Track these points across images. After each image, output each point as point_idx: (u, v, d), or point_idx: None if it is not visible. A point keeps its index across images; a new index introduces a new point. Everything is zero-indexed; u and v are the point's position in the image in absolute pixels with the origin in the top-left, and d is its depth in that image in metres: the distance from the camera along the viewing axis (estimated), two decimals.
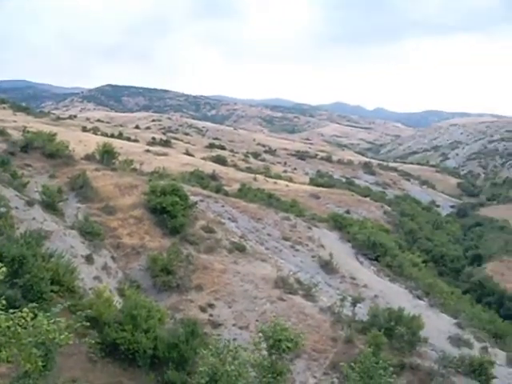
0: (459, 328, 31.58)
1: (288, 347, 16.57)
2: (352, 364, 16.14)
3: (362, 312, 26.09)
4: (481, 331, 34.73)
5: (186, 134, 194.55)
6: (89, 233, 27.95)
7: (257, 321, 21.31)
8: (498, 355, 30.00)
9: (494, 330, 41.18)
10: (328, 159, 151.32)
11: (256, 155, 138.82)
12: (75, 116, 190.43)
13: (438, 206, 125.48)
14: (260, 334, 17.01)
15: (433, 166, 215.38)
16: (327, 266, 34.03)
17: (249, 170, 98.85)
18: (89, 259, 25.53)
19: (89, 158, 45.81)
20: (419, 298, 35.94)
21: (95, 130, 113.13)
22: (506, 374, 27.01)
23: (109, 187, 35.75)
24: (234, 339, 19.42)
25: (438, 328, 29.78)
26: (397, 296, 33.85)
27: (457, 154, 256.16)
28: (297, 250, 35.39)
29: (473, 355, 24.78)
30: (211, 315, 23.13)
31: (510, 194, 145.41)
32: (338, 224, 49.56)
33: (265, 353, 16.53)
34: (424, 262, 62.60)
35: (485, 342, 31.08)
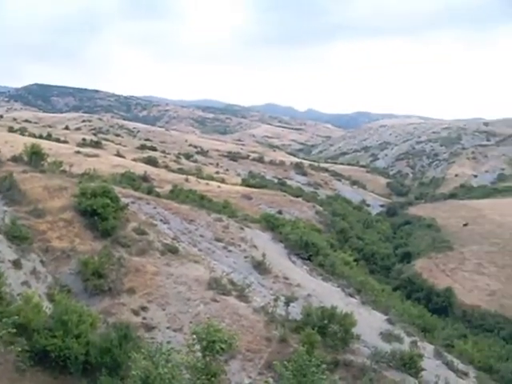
0: (390, 324, 32.42)
1: (222, 348, 16.53)
2: (285, 363, 16.25)
3: (296, 311, 26.34)
4: (410, 326, 35.81)
5: (117, 135, 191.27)
6: (16, 237, 26.96)
7: (190, 323, 21.14)
8: (427, 348, 31.02)
9: (423, 325, 42.59)
10: (260, 160, 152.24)
11: (188, 156, 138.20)
12: (1, 116, 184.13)
13: (368, 206, 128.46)
14: (194, 336, 16.88)
15: (363, 166, 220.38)
16: (260, 267, 34.16)
17: (181, 171, 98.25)
18: (16, 264, 24.64)
19: (16, 159, 44.16)
20: (351, 295, 36.63)
21: (22, 131, 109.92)
22: (434, 365, 27.97)
23: (37, 190, 34.64)
24: (168, 342, 19.22)
25: (370, 324, 30.46)
26: (329, 294, 34.38)
27: (386, 155, 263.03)
28: (230, 251, 35.38)
29: (403, 349, 25.50)
30: (144, 318, 22.78)
31: (437, 193, 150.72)
32: (271, 224, 49.88)
33: (199, 354, 16.42)
34: (355, 260, 63.95)
35: (414, 336, 32.05)
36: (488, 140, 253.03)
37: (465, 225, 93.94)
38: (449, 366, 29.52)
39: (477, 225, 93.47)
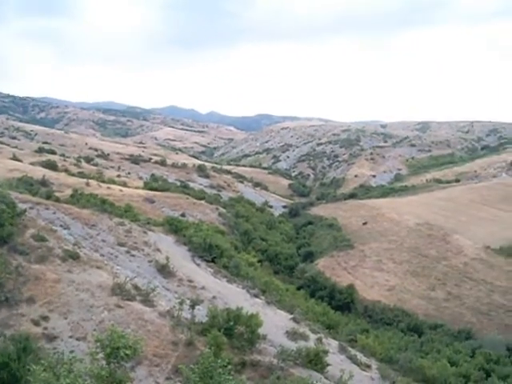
0: (295, 322, 33.06)
1: (127, 354, 16.17)
2: (192, 366, 16.18)
3: (202, 314, 26.27)
4: (315, 323, 36.71)
5: (13, 137, 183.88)
6: None
7: (94, 330, 20.52)
8: (332, 344, 31.92)
9: (327, 322, 43.82)
10: (162, 163, 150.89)
11: (88, 159, 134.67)
12: None
13: (271, 207, 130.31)
14: (97, 344, 16.43)
15: (265, 168, 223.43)
16: (164, 270, 33.83)
17: (81, 174, 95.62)
18: None
19: None
20: (256, 296, 37.01)
21: None
22: (339, 360, 28.83)
23: None
24: (71, 351, 18.53)
25: (276, 324, 30.92)
26: (235, 296, 34.58)
27: (288, 157, 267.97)
28: (133, 256, 34.78)
29: (309, 347, 26.06)
30: (45, 328, 21.83)
31: (338, 193, 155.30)
32: (174, 227, 49.55)
33: (103, 362, 16.00)
34: (259, 261, 64.82)
35: (319, 333, 32.88)
36: (385, 141, 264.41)
37: (364, 223, 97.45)
38: (352, 359, 30.53)
39: (376, 223, 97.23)
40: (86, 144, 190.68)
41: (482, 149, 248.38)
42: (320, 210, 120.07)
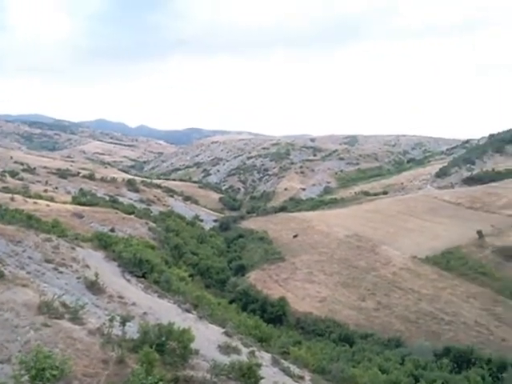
0: (228, 336, 32.83)
1: (53, 375, 15.54)
2: None
3: (133, 330, 25.63)
4: (247, 337, 36.59)
5: None
6: None
7: (19, 351, 19.60)
8: (265, 357, 31.85)
9: (260, 335, 43.81)
10: (91, 177, 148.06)
11: (13, 174, 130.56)
12: None
13: (201, 221, 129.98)
14: (22, 365, 15.71)
15: (195, 182, 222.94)
16: (93, 287, 32.88)
17: (6, 189, 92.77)
18: None
19: None
20: (188, 311, 36.57)
21: None
22: (272, 373, 28.77)
23: None
24: None
25: (208, 338, 30.61)
26: (166, 311, 34.05)
27: (218, 170, 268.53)
28: (61, 272, 33.63)
29: (241, 360, 25.85)
30: None
31: (268, 207, 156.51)
32: (103, 243, 48.52)
33: None
34: (191, 275, 64.23)
35: (252, 346, 32.75)
36: (314, 155, 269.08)
37: (295, 236, 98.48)
38: (285, 371, 30.55)
39: (306, 236, 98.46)
40: (11, 158, 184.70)
41: (408, 162, 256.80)
42: (251, 224, 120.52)
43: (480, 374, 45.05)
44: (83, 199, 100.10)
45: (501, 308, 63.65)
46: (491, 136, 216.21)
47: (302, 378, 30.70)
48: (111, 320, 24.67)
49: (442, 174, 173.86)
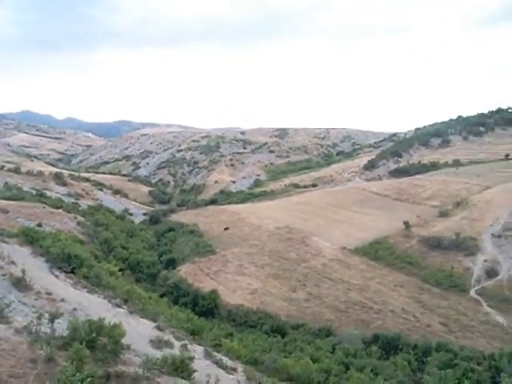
0: (159, 330, 32.56)
1: None
2: (47, 382, 15.31)
3: (62, 327, 25.00)
4: (180, 330, 36.42)
5: None
6: None
7: None
8: (197, 350, 31.80)
9: (192, 328, 43.72)
10: (16, 171, 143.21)
11: None
12: None
13: (131, 214, 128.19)
14: None
15: (125, 175, 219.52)
16: (20, 284, 31.82)
17: None
18: None
19: None
20: (118, 306, 36.04)
21: None
22: (205, 366, 28.76)
23: None
24: None
25: (140, 333, 30.27)
26: (96, 307, 33.43)
27: (147, 163, 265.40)
28: None
29: (174, 354, 25.72)
30: None
31: (198, 200, 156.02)
32: (30, 238, 47.19)
33: None
34: (121, 270, 63.26)
35: (184, 339, 32.61)
36: (244, 148, 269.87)
37: (226, 229, 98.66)
38: (218, 364, 30.61)
39: (237, 228, 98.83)
40: None
41: (337, 154, 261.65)
42: (181, 217, 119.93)
43: (406, 359, 46.73)
44: (8, 193, 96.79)
45: (426, 295, 66.06)
46: (417, 130, 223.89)
47: (234, 369, 30.87)
48: (39, 317, 23.97)
49: (370, 166, 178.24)
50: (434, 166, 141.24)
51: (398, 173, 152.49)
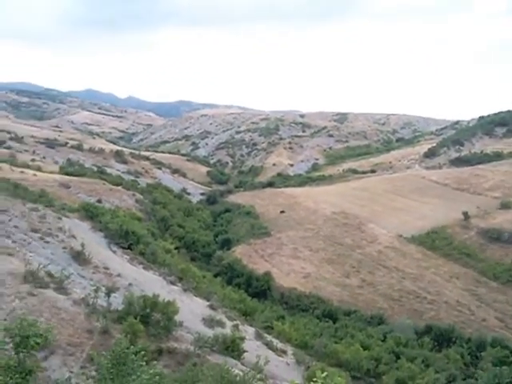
0: (212, 309, 33.13)
1: (37, 343, 15.60)
2: (104, 353, 15.80)
3: (117, 301, 25.77)
4: (232, 310, 36.95)
5: None
6: None
7: (5, 320, 19.66)
8: (248, 331, 32.23)
9: (244, 309, 44.23)
10: (79, 147, 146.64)
11: (0, 142, 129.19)
12: None
13: (188, 194, 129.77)
14: (6, 333, 15.74)
15: (184, 154, 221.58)
16: (79, 257, 32.92)
17: None
18: None
19: None
20: (173, 283, 36.78)
21: None
22: (255, 346, 29.15)
23: None
24: None
25: (193, 311, 30.85)
26: (151, 283, 34.20)
27: (206, 144, 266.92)
28: (47, 242, 33.58)
29: (225, 333, 26.15)
30: None
31: (256, 182, 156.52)
32: (90, 214, 48.53)
33: (12, 352, 15.37)
34: (176, 248, 64.53)
35: (236, 320, 33.11)
36: (303, 131, 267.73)
37: (282, 212, 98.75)
38: (269, 345, 30.96)
39: (293, 212, 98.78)
40: None
41: (397, 141, 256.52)
42: (238, 198, 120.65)
43: (459, 352, 45.94)
44: (70, 169, 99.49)
45: (483, 289, 64.49)
46: (481, 118, 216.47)
47: (284, 352, 31.14)
48: (96, 291, 24.77)
49: (430, 154, 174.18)
50: (497, 157, 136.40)
51: (459, 162, 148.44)
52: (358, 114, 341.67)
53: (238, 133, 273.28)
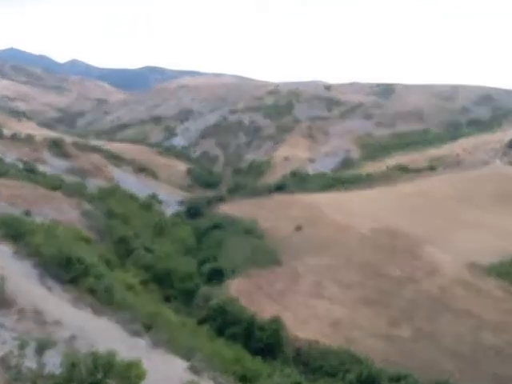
0: (194, 373, 32.90)
1: None
2: None
3: (54, 362, 25.58)
4: (224, 375, 36.65)
5: None
6: None
7: None
8: None
9: (242, 372, 43.92)
10: None
11: None
12: None
13: (161, 203, 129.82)
14: None
15: (154, 145, 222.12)
16: None
17: None
18: None
19: None
20: (138, 334, 36.60)
21: None
22: None
23: None
24: None
25: (166, 376, 30.63)
26: (105, 334, 34.02)
27: (187, 129, 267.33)
28: None
29: None
30: None
31: (259, 184, 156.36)
32: (13, 231, 48.40)
33: None
34: (143, 282, 64.34)
35: None
36: (329, 110, 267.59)
37: (298, 229, 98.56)
38: None
39: (314, 228, 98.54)
40: None
41: (469, 124, 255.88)
42: (233, 209, 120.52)
43: None
44: None
45: None
46: None
47: None
48: (22, 347, 24.56)
49: None
50: None
51: None
52: (410, 85, 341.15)
53: (232, 113, 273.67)
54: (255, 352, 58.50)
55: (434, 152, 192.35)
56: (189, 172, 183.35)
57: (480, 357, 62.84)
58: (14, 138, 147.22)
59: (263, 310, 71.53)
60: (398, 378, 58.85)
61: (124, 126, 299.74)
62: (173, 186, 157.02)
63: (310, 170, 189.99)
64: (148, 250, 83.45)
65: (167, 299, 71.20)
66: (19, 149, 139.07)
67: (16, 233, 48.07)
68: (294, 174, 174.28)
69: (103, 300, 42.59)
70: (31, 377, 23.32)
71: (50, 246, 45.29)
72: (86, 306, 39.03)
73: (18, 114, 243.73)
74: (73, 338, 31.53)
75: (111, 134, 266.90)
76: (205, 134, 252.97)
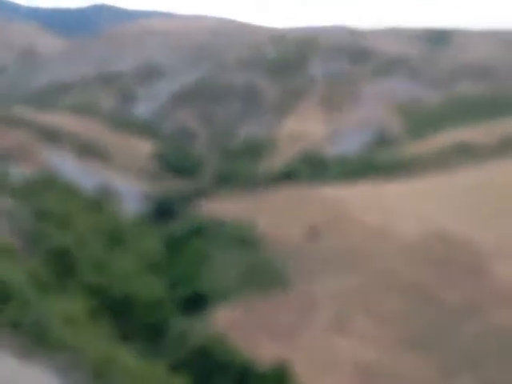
0: None
1: None
2: None
3: None
4: None
5: None
6: None
7: None
8: None
9: None
10: None
11: None
12: None
13: (117, 198, 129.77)
14: None
15: (104, 115, 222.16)
16: None
17: None
18: None
19: None
20: None
21: None
22: None
23: None
24: None
25: None
26: None
27: (153, 92, 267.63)
28: None
29: None
30: None
31: (259, 172, 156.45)
32: None
33: None
34: (91, 312, 64.35)
35: None
36: (358, 65, 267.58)
37: (313, 235, 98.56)
38: None
39: (336, 235, 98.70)
40: None
41: None
42: (221, 207, 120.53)
43: None
44: None
45: None
46: None
47: None
48: None
49: None
50: None
51: None
52: (473, 31, 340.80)
53: (219, 69, 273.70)
54: None
55: (507, 126, 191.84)
56: (156, 154, 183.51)
57: None
58: None
59: (263, 351, 71.58)
60: None
61: (62, 88, 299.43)
62: (133, 173, 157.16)
63: (330, 150, 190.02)
64: (98, 266, 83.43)
65: (125, 336, 71.25)
66: None
67: None
68: (306, 157, 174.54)
69: (32, 338, 42.53)
70: None
71: None
72: (5, 348, 38.99)
73: None
74: None
75: (43, 99, 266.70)
76: (179, 101, 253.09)
